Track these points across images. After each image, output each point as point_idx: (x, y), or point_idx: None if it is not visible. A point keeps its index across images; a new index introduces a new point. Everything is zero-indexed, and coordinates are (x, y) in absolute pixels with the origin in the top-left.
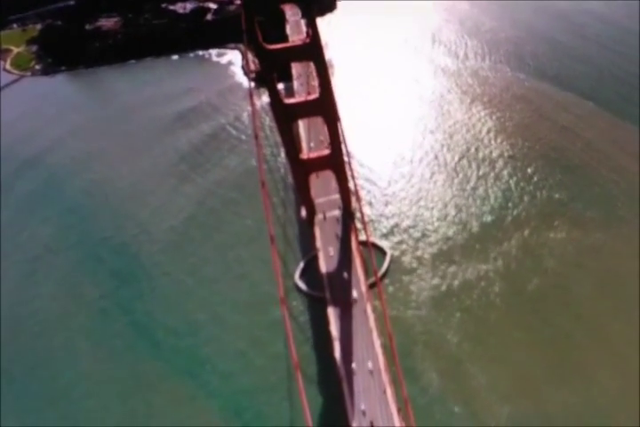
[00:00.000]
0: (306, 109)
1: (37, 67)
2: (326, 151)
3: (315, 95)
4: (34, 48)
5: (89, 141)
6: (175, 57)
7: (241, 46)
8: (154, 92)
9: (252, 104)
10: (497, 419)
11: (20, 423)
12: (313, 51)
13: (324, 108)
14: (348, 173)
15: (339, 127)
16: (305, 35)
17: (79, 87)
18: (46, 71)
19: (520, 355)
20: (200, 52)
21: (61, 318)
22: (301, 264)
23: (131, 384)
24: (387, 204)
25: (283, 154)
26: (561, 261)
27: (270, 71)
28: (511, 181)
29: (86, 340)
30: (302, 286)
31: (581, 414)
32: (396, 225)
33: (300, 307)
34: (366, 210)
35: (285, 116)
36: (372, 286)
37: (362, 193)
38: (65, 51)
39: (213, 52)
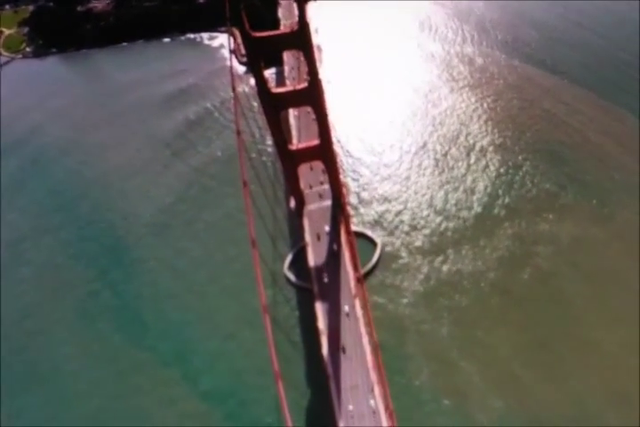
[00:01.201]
0: (294, 99)
1: (28, 49)
2: (316, 141)
3: (303, 84)
4: (25, 30)
5: (76, 123)
6: (167, 40)
7: (232, 29)
8: (144, 74)
9: (235, 98)
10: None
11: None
12: (301, 39)
13: (313, 97)
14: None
15: (328, 117)
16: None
17: (69, 69)
18: (37, 53)
19: (507, 351)
20: (191, 36)
21: (48, 301)
22: (290, 255)
23: (117, 367)
24: (374, 193)
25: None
26: (552, 253)
27: (257, 59)
28: (501, 171)
29: (74, 322)
30: (291, 276)
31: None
32: (385, 215)
33: (289, 296)
34: (354, 200)
35: (273, 105)
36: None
37: (349, 183)
38: (56, 33)
39: (205, 35)
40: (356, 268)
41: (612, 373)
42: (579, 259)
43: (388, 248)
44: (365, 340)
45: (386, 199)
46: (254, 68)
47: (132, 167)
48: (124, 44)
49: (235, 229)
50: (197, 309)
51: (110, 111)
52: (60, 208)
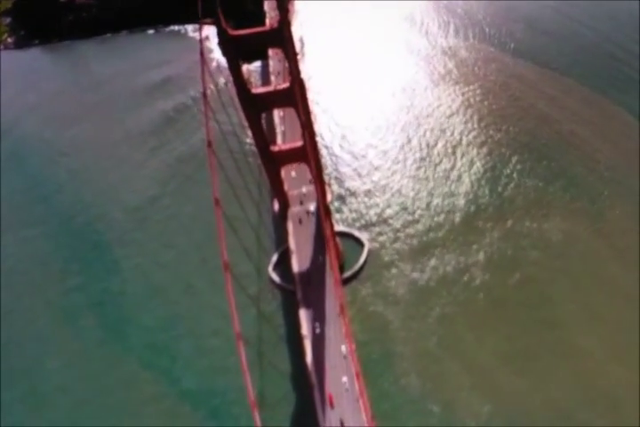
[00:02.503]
0: (275, 100)
1: (10, 40)
2: (299, 143)
3: (285, 84)
4: (7, 20)
5: (56, 116)
6: (151, 32)
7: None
8: (127, 65)
9: (206, 106)
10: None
11: None
12: (281, 37)
13: (295, 98)
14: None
15: (311, 118)
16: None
17: (51, 61)
18: (19, 45)
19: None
20: (176, 28)
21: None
22: (276, 255)
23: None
24: (360, 193)
25: None
26: (544, 254)
27: (234, 58)
28: (491, 168)
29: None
30: (276, 278)
31: None
32: (372, 215)
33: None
34: (339, 200)
35: (253, 106)
36: (346, 282)
37: (333, 182)
38: (39, 23)
39: (190, 27)
40: (340, 273)
41: (600, 379)
42: (568, 260)
43: (375, 249)
44: (345, 348)
45: (370, 199)
46: (232, 67)
47: (114, 159)
48: (108, 35)
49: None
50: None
51: (92, 102)
52: (39, 201)
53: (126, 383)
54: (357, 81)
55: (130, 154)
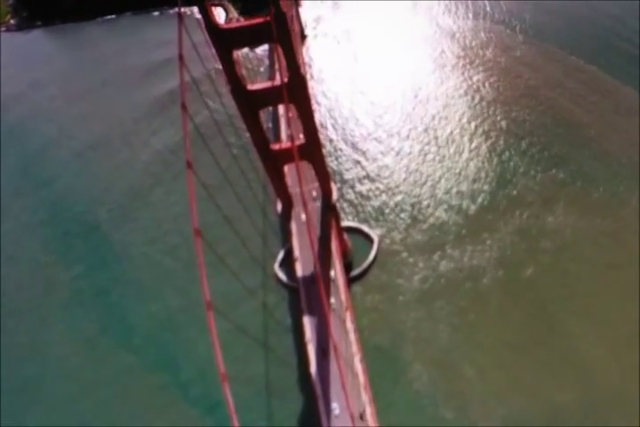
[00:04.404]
0: (274, 96)
1: (12, 22)
2: (301, 140)
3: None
4: (9, 2)
5: (58, 94)
6: (156, 13)
7: (225, 2)
8: (131, 46)
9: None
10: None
11: None
12: (277, 31)
13: (295, 94)
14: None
15: (313, 115)
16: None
17: (54, 42)
18: (21, 26)
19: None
20: (182, 9)
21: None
22: (282, 252)
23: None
24: (371, 183)
25: None
26: (558, 250)
27: (225, 54)
28: (506, 157)
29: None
30: (282, 276)
31: None
32: (383, 208)
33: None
34: (349, 192)
35: (249, 104)
36: (355, 280)
37: (344, 172)
38: (41, 5)
39: (195, 9)
40: (347, 278)
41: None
42: (583, 256)
43: (386, 244)
44: (357, 358)
45: (383, 189)
46: (224, 63)
47: (115, 141)
48: (112, 16)
49: None
50: None
51: (95, 82)
52: (36, 183)
53: None
54: (372, 59)
55: (134, 133)
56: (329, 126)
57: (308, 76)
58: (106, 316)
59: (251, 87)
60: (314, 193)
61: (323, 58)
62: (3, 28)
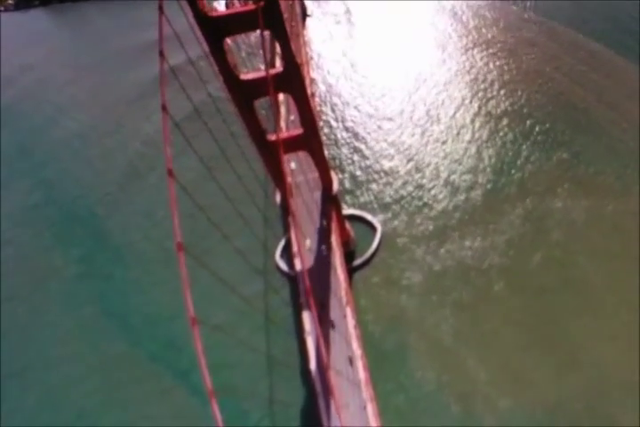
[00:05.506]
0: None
1: (10, 1)
2: (299, 130)
3: (278, 69)
4: None
5: (54, 73)
6: None
7: None
8: (129, 25)
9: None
10: None
11: None
12: (268, 18)
13: (290, 84)
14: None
15: (310, 104)
16: None
17: (52, 21)
18: (19, 6)
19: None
20: None
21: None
22: (283, 240)
23: None
24: (372, 168)
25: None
26: (567, 235)
27: (216, 43)
28: (512, 140)
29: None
30: (283, 265)
31: None
32: (384, 193)
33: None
34: (349, 178)
35: (243, 94)
36: (357, 269)
37: (343, 158)
38: None
39: None
40: (348, 272)
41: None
42: (593, 241)
43: (389, 230)
44: (358, 354)
45: (384, 174)
46: (214, 54)
47: (113, 120)
48: None
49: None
50: None
51: (92, 60)
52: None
53: None
54: (371, 37)
55: (130, 114)
56: (328, 111)
57: (307, 57)
58: (107, 298)
59: (244, 77)
60: (314, 183)
61: (322, 39)
62: (1, 8)
